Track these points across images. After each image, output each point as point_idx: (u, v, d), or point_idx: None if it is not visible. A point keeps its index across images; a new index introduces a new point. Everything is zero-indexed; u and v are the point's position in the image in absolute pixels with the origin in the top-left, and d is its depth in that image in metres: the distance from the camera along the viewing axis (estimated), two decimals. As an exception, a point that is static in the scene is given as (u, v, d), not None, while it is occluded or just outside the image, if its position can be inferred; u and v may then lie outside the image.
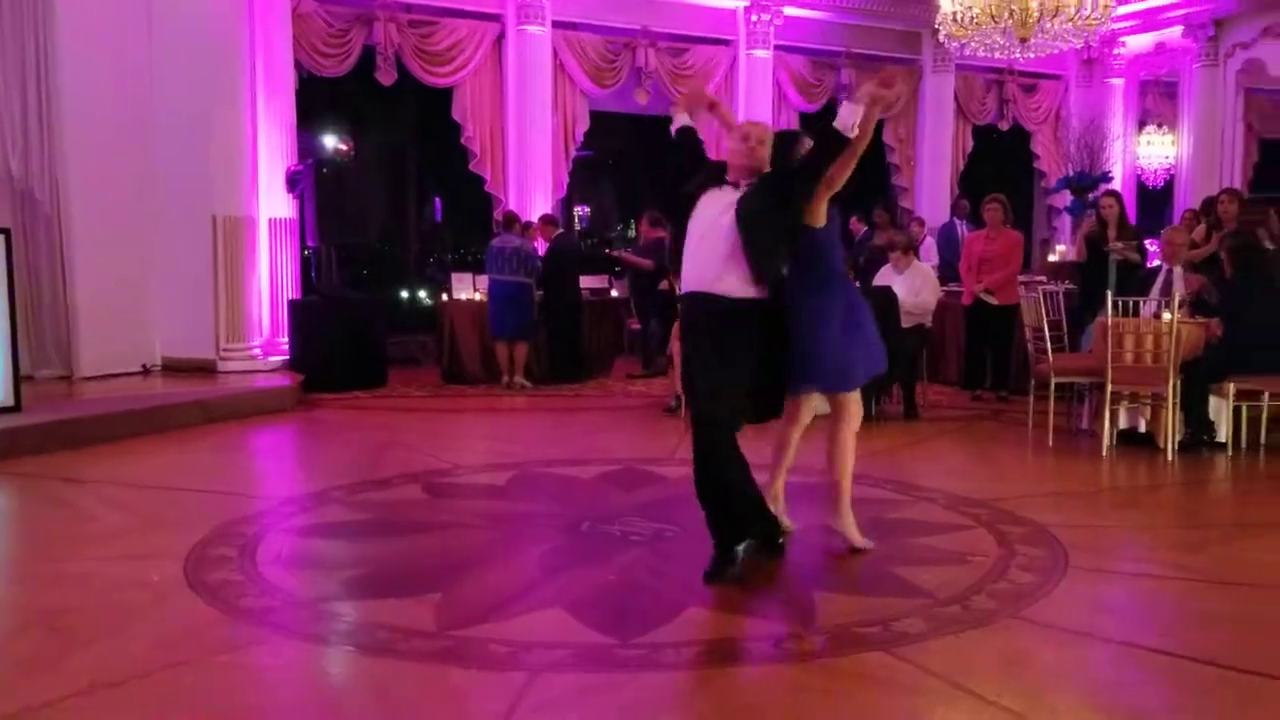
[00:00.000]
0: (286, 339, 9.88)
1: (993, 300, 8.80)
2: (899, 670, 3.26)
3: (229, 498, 5.57)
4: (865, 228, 11.56)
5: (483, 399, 9.34)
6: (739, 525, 4.27)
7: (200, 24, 9.17)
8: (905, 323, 8.09)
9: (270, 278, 9.92)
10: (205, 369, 9.28)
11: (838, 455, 4.59)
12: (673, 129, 4.64)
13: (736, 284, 4.15)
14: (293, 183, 9.87)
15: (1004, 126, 14.32)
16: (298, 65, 10.15)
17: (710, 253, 4.17)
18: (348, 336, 9.54)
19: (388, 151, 13.83)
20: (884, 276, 8.57)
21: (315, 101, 11.00)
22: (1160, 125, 14.18)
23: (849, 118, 4.13)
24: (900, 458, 6.81)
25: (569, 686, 3.23)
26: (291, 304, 9.88)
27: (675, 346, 8.49)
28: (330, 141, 12.02)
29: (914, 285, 8.33)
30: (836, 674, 3.27)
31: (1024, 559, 4.38)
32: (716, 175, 4.35)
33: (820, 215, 4.38)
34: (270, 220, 9.85)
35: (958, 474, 6.39)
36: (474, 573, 4.32)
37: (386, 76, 10.73)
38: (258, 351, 9.71)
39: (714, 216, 4.19)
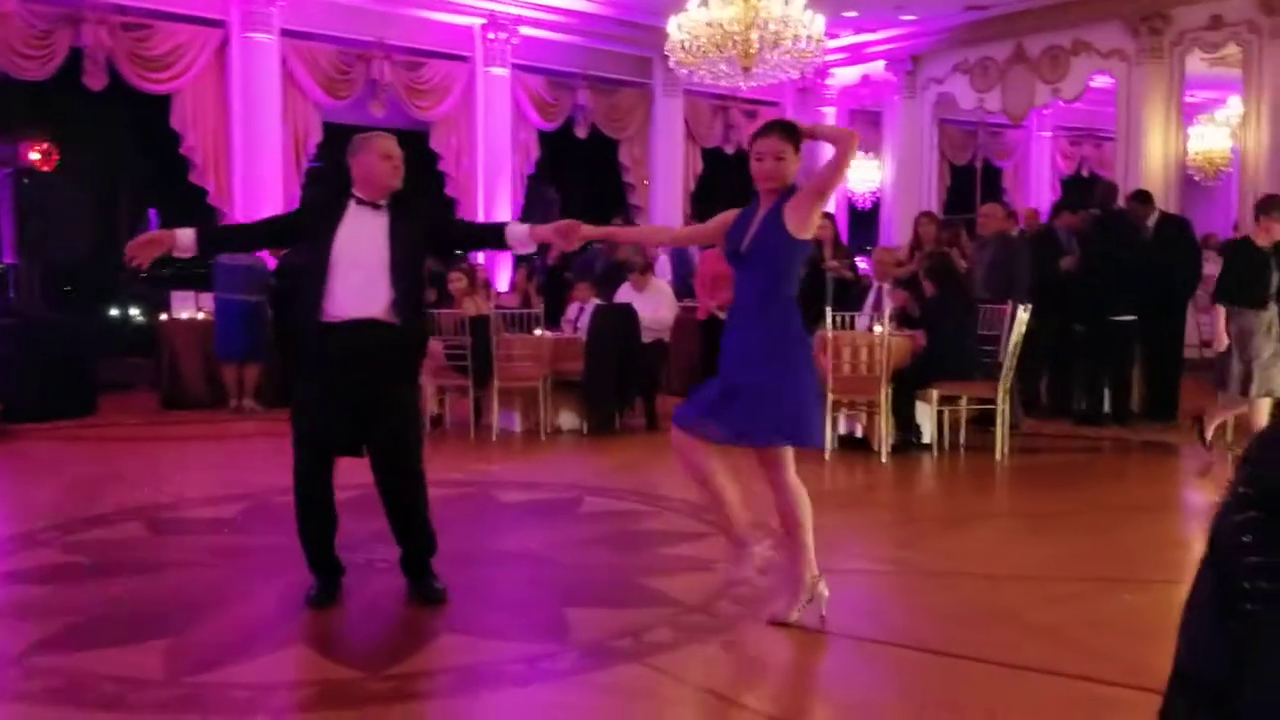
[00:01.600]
0: (-20, 365, 8.97)
1: (725, 315, 9.22)
2: (653, 680, 3.37)
3: (-83, 545, 5.00)
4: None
5: (208, 425, 8.84)
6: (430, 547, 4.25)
7: None
8: (645, 338, 8.39)
9: (-40, 298, 9.00)
10: (-120, 401, 8.30)
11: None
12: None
13: (399, 310, 4.01)
14: (-14, 194, 9.02)
15: (730, 150, 15.05)
16: (-7, 68, 9.28)
17: (369, 280, 3.97)
18: (51, 360, 8.77)
19: (98, 161, 12.85)
20: (624, 294, 8.82)
21: (14, 107, 10.07)
22: (867, 152, 15.34)
23: (521, 241, 4.17)
24: (643, 469, 7.01)
25: (318, 725, 3.13)
26: (-14, 327, 9.00)
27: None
28: None
29: (653, 303, 8.62)
30: (593, 689, 3.33)
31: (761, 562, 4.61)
32: (341, 193, 4.14)
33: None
34: (-41, 235, 8.95)
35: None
36: (206, 614, 4.08)
37: (95, 81, 9.98)
38: (-55, 380, 8.75)
39: (368, 242, 4.00)
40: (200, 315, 9.80)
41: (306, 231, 4.17)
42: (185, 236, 4.11)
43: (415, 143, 12.42)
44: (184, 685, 3.35)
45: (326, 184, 12.50)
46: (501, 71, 12.59)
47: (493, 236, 4.19)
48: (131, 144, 13.14)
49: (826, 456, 7.06)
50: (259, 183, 10.93)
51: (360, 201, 4.07)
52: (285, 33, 11.03)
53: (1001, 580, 4.45)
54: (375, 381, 4.02)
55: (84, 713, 3.20)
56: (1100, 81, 12.81)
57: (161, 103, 10.69)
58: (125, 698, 3.26)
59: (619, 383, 8.25)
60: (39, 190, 9.19)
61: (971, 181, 14.63)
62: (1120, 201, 8.81)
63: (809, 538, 3.82)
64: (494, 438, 8.10)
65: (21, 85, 9.81)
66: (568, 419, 8.44)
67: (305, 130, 11.43)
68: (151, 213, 14.22)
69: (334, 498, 4.17)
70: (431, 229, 4.18)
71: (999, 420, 6.97)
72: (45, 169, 11.17)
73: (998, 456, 6.96)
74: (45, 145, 11.70)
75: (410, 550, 4.25)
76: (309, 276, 4.05)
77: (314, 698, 3.28)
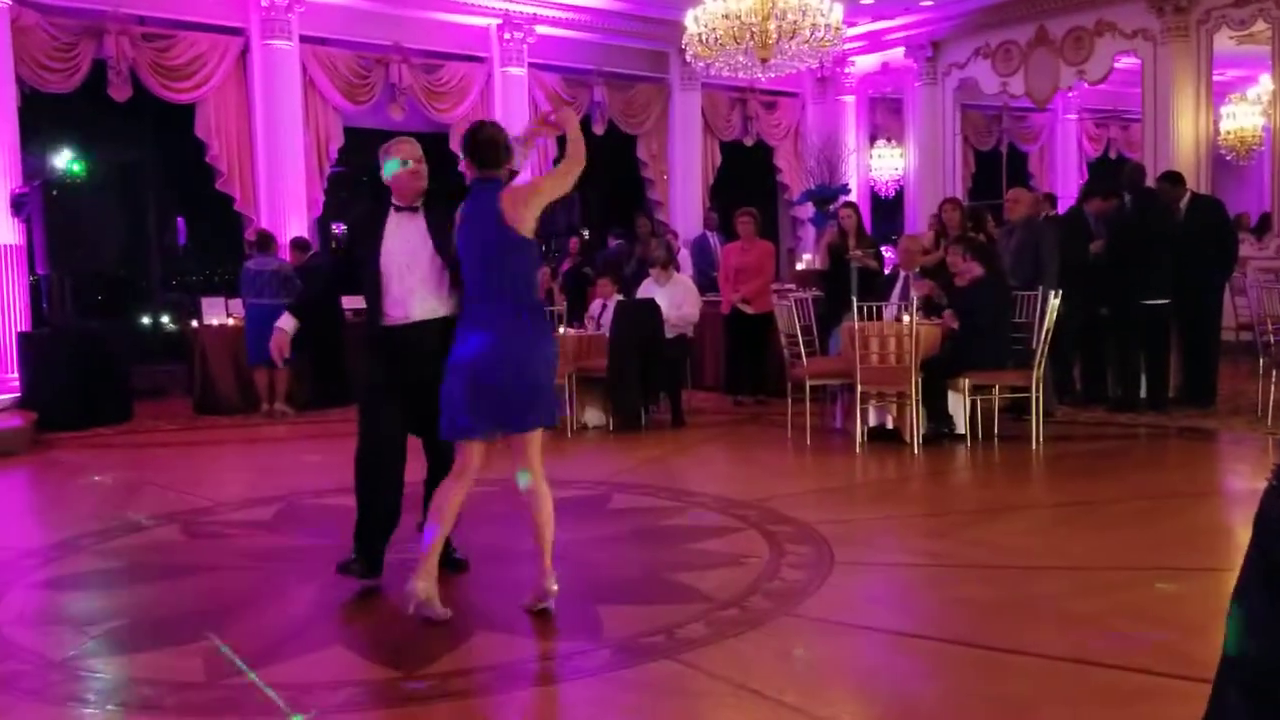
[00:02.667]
0: (16, 375, 9.09)
1: (749, 309, 9.20)
2: (686, 676, 3.36)
3: (-42, 554, 5.07)
4: (618, 240, 11.82)
5: (241, 429, 8.91)
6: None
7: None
8: (669, 334, 8.37)
9: (-5, 309, 9.13)
10: (-80, 412, 8.42)
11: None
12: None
13: (451, 306, 4.22)
14: (18, 206, 9.11)
15: (748, 142, 14.99)
16: (20, 81, 9.37)
17: (425, 280, 4.19)
18: (86, 369, 8.87)
19: (125, 171, 12.99)
20: (647, 289, 8.81)
21: (42, 119, 10.19)
22: (889, 139, 15.26)
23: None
24: (670, 465, 7.01)
25: (357, 726, 3.15)
26: (21, 336, 9.11)
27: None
28: None
29: (676, 298, 8.61)
30: (627, 686, 3.33)
31: (793, 557, 4.60)
32: (377, 209, 4.34)
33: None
34: (-8, 247, 9.07)
35: (725, 477, 6.66)
36: (244, 615, 4.12)
37: (120, 92, 10.07)
38: (-18, 390, 8.90)
39: (415, 245, 4.20)
40: (230, 321, 9.88)
41: (358, 244, 4.37)
42: (288, 323, 4.40)
43: (436, 145, 12.46)
44: (224, 687, 3.38)
45: (356, 190, 12.62)
46: (518, 71, 12.60)
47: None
48: (158, 153, 13.26)
49: (858, 449, 7.03)
50: (283, 189, 10.99)
51: (398, 208, 4.25)
52: (304, 39, 11.09)
53: (1038, 571, 4.41)
54: (436, 376, 4.14)
55: (127, 715, 3.24)
56: (1126, 63, 12.66)
57: (186, 112, 10.77)
58: (167, 699, 3.30)
59: (643, 379, 8.23)
60: (68, 202, 9.27)
61: (996, 167, 14.51)
62: (1149, 183, 8.71)
63: (550, 537, 4.00)
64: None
65: (49, 98, 9.91)
66: (593, 415, 8.44)
67: (327, 135, 11.49)
68: (179, 221, 14.35)
69: (402, 494, 4.35)
70: (448, 207, 4.28)
71: (1033, 409, 6.90)
72: (74, 181, 11.31)
73: (1033, 446, 6.87)
74: (73, 157, 11.85)
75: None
76: (365, 285, 4.23)
77: (352, 698, 3.31)
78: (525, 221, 3.89)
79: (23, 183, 9.31)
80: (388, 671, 3.50)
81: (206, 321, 9.94)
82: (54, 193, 9.23)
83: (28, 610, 4.29)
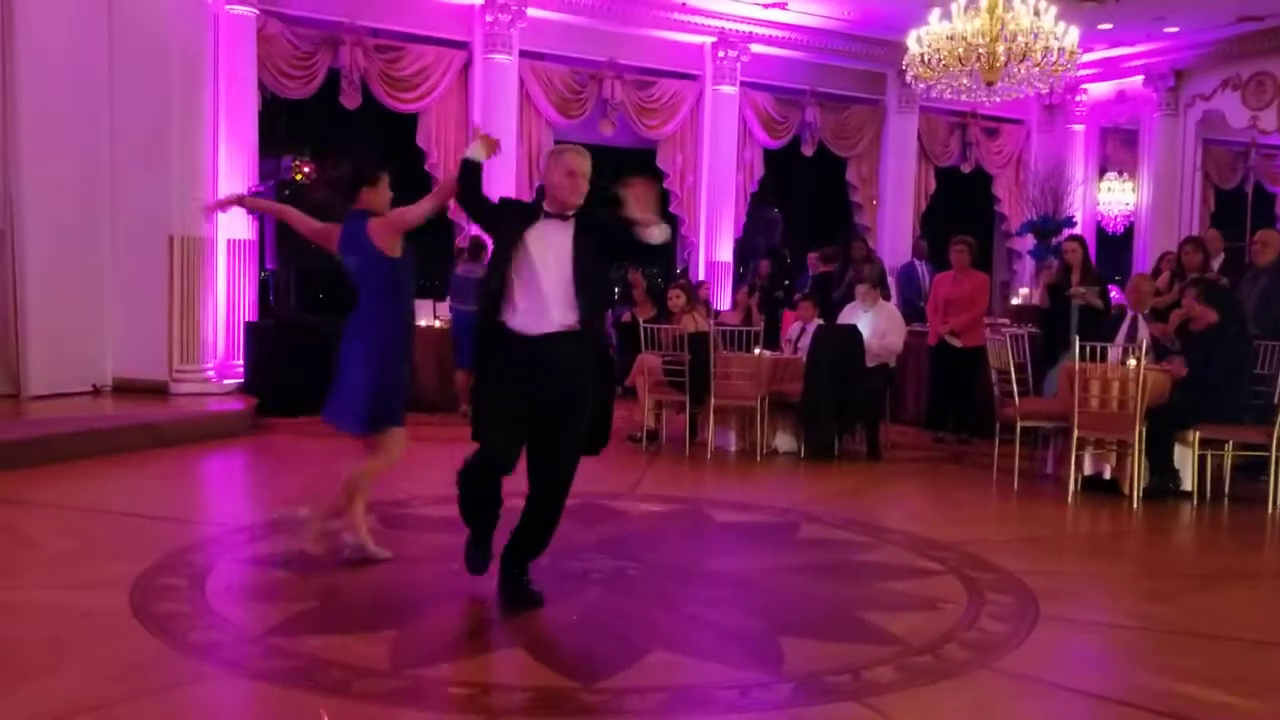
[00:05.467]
0: (241, 362, 9.68)
1: (958, 342, 8.80)
2: (872, 722, 3.18)
3: (178, 524, 5.39)
4: (827, 266, 11.51)
5: (441, 428, 9.14)
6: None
7: (162, 42, 8.97)
8: (869, 362, 8.08)
9: (227, 299, 9.74)
10: (157, 390, 9.03)
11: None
12: (469, 157, 4.55)
13: (584, 320, 4.04)
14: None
15: (966, 169, 14.46)
16: (261, 87, 10.01)
17: (554, 290, 4.03)
18: (303, 360, 9.32)
19: (350, 175, 13.74)
20: (849, 314, 8.56)
21: (276, 123, 10.89)
22: (1121, 172, 14.38)
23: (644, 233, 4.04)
24: (864, 498, 6.76)
25: (531, 733, 3.12)
26: (248, 326, 9.69)
27: (639, 380, 8.42)
28: None
29: (880, 326, 8.32)
30: (808, 725, 3.17)
31: (994, 607, 4.31)
32: (530, 208, 4.25)
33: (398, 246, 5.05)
34: (228, 241, 9.69)
35: (922, 517, 6.35)
36: (430, 609, 4.20)
37: (351, 100, 10.62)
38: (211, 374, 9.49)
39: (556, 254, 4.04)
40: (437, 324, 10.22)
41: (500, 229, 4.24)
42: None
43: (642, 161, 12.57)
44: (405, 677, 3.42)
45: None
46: (730, 89, 12.57)
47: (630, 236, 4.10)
48: (378, 160, 13.90)
49: (1070, 498, 6.57)
50: (494, 199, 11.31)
51: (548, 215, 4.12)
52: (523, 54, 11.41)
53: (1265, 647, 4.00)
54: (561, 393, 4.02)
55: (312, 696, 3.30)
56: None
57: (407, 121, 11.25)
58: (351, 684, 3.36)
59: (840, 407, 7.98)
60: (298, 202, 9.83)
61: (1240, 207, 13.43)
62: None
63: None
64: (709, 456, 8.00)
65: (282, 103, 10.55)
66: (784, 441, 8.25)
67: (538, 148, 11.75)
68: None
69: (500, 501, 4.31)
70: (600, 234, 4.10)
71: (1272, 469, 6.28)
72: (305, 181, 12.01)
73: (1269, 510, 6.26)
74: (306, 160, 12.57)
75: (527, 552, 4.30)
76: (494, 282, 4.10)
77: (528, 702, 3.28)
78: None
79: (258, 182, 9.92)
80: (565, 680, 3.46)
81: (414, 323, 10.31)
82: (286, 192, 9.81)
83: (233, 584, 4.49)
